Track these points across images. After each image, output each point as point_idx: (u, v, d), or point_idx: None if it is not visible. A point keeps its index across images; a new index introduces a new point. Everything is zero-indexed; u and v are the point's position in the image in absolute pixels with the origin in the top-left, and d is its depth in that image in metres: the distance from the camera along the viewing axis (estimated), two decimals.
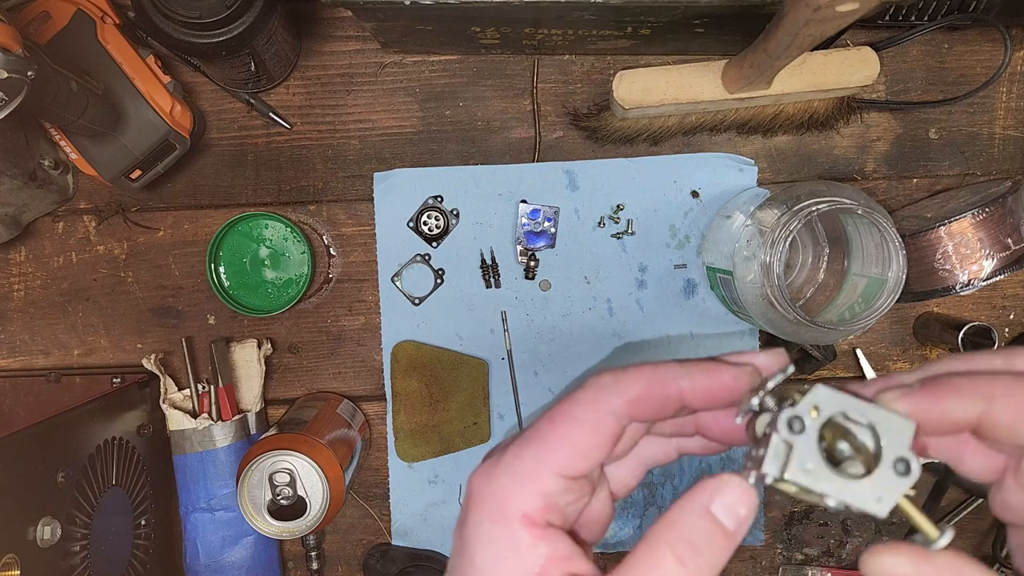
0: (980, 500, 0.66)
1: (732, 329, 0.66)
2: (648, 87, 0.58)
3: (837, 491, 0.23)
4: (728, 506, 0.23)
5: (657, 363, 0.26)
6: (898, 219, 0.62)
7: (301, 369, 0.68)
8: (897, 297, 0.53)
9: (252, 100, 0.64)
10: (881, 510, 0.23)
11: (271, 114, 0.65)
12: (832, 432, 0.23)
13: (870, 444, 0.23)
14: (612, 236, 0.65)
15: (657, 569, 0.22)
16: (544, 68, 0.65)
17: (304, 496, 0.55)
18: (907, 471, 0.23)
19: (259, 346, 0.66)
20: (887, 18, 0.60)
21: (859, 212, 0.52)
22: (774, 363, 0.26)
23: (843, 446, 0.23)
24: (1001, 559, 0.65)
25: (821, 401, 0.23)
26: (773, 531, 0.68)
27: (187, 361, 0.65)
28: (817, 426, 0.23)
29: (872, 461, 0.23)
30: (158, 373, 0.64)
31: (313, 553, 0.67)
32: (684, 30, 0.56)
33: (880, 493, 0.23)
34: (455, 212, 0.65)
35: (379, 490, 0.68)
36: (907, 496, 0.23)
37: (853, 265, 0.58)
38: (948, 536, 0.22)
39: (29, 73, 0.43)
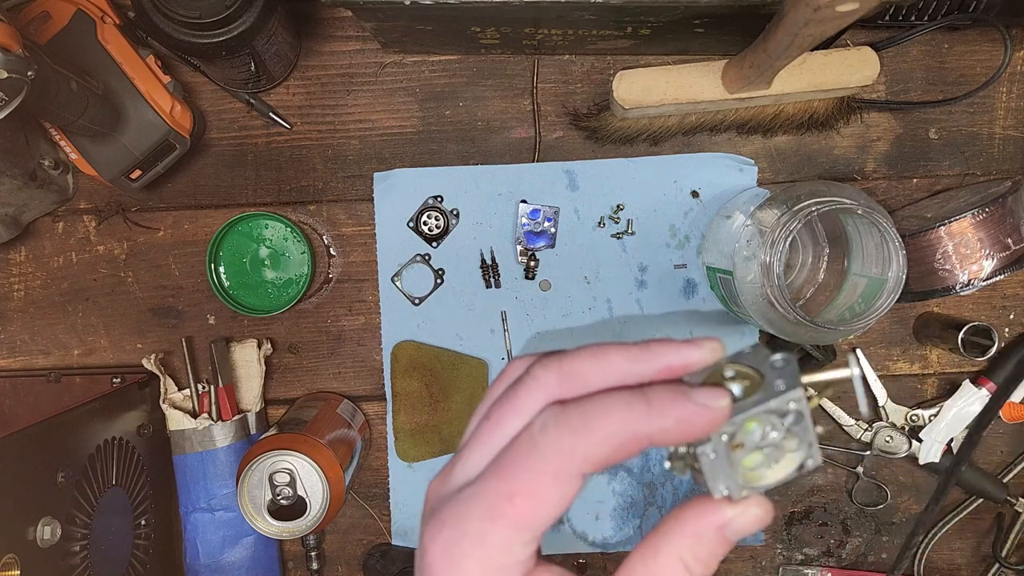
0: (980, 500, 0.66)
1: (732, 329, 0.66)
2: (648, 87, 0.58)
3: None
4: (738, 530, 0.24)
5: (617, 397, 0.23)
6: (898, 219, 0.62)
7: (301, 369, 0.68)
8: (897, 297, 0.53)
9: (252, 100, 0.64)
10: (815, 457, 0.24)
11: (271, 114, 0.65)
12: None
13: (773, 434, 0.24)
14: (612, 236, 0.65)
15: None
16: (544, 68, 0.65)
17: (304, 496, 0.55)
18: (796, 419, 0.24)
19: (259, 346, 0.66)
20: (887, 18, 0.60)
21: (859, 212, 0.52)
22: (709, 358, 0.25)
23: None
24: (1001, 559, 0.65)
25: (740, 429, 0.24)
26: (773, 531, 0.68)
27: (187, 361, 0.65)
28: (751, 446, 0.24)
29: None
30: (158, 373, 0.64)
31: (313, 553, 0.67)
32: (684, 30, 0.56)
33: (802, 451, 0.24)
34: (455, 212, 0.65)
35: (379, 490, 0.68)
36: (808, 388, 0.24)
37: (853, 265, 0.58)
38: (855, 363, 0.24)
39: (29, 73, 0.43)
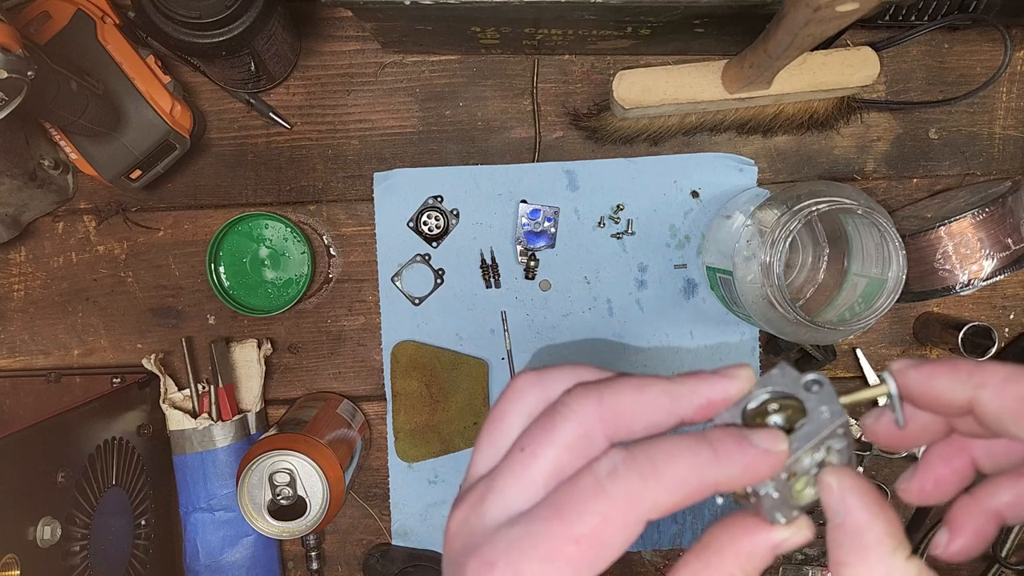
0: None
1: (732, 329, 0.66)
2: (648, 87, 0.58)
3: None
4: (789, 548, 0.24)
5: (683, 443, 0.23)
6: (898, 219, 0.62)
7: (301, 369, 0.68)
8: (897, 297, 0.53)
9: (252, 100, 0.64)
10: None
11: (271, 114, 0.65)
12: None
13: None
14: (612, 236, 0.65)
15: None
16: (544, 68, 0.65)
17: (304, 496, 0.55)
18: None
19: (259, 346, 0.66)
20: (887, 18, 0.60)
21: (859, 212, 0.52)
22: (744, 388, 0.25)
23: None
24: (1001, 559, 0.65)
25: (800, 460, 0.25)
26: None
27: (187, 361, 0.65)
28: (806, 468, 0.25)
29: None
30: (158, 373, 0.64)
31: (313, 553, 0.67)
32: (684, 30, 0.56)
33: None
34: (455, 212, 0.65)
35: (379, 490, 0.68)
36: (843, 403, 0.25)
37: (853, 265, 0.58)
38: (890, 380, 0.26)
39: (29, 73, 0.43)
